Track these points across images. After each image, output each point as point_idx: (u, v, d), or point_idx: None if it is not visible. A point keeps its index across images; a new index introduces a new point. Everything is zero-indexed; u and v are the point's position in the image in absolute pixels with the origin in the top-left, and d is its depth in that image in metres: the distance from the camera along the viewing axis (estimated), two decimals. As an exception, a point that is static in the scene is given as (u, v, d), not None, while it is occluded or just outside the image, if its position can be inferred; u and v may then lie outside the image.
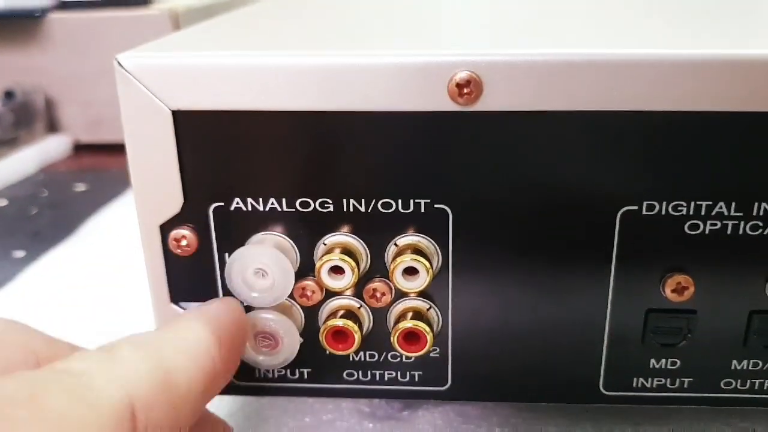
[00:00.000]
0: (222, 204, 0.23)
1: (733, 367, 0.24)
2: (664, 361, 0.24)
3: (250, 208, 0.23)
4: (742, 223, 0.22)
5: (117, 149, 0.74)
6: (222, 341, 0.20)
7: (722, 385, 0.25)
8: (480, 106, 0.21)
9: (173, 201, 0.23)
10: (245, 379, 0.25)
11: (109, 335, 0.19)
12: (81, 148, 0.76)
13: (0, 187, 0.63)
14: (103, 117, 0.75)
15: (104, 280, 0.42)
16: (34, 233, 0.52)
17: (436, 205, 0.23)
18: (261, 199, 0.23)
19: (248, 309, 0.23)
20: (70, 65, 0.73)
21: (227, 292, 0.23)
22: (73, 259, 0.46)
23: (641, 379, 0.25)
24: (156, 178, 0.23)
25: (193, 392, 0.19)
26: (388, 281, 0.23)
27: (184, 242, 0.23)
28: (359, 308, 0.24)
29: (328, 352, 0.24)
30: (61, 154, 0.73)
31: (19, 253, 0.47)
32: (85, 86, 0.74)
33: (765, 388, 0.25)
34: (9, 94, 0.71)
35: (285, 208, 0.23)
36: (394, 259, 0.23)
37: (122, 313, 0.38)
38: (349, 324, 0.23)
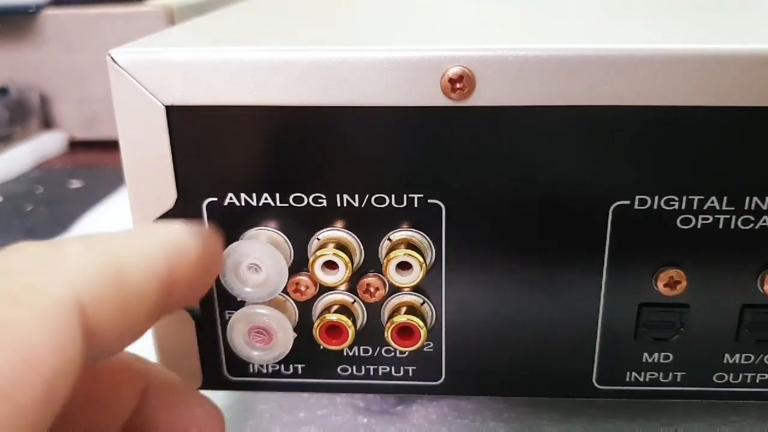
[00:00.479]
0: (215, 199, 0.23)
1: (725, 361, 0.24)
2: (656, 355, 0.24)
3: (243, 204, 0.23)
4: (734, 217, 0.22)
5: (112, 146, 0.74)
6: (184, 256, 0.18)
7: (715, 379, 0.25)
8: (473, 101, 0.21)
9: (167, 196, 0.23)
10: (239, 374, 0.25)
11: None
12: (76, 145, 0.76)
13: (-5, 184, 0.63)
14: (97, 114, 0.75)
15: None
16: (28, 230, 0.52)
17: (429, 200, 0.23)
18: (254, 195, 0.23)
19: (242, 304, 0.23)
20: (65, 62, 0.73)
21: (221, 288, 0.23)
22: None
23: (634, 374, 0.25)
24: (149, 174, 0.23)
25: (146, 296, 0.17)
26: (381, 276, 0.23)
27: (177, 237, 0.23)
28: (353, 303, 0.24)
29: (322, 347, 0.24)
30: (56, 150, 0.73)
31: (14, 250, 0.47)
32: (79, 83, 0.74)
33: (757, 381, 0.25)
34: (3, 91, 0.70)
35: (278, 204, 0.23)
36: (387, 254, 0.23)
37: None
38: (343, 319, 0.23)
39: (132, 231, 0.19)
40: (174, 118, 0.22)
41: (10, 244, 0.16)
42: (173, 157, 0.22)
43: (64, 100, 0.76)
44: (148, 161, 0.23)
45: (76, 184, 0.63)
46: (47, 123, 0.76)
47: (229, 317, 0.24)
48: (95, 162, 0.71)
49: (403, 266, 0.23)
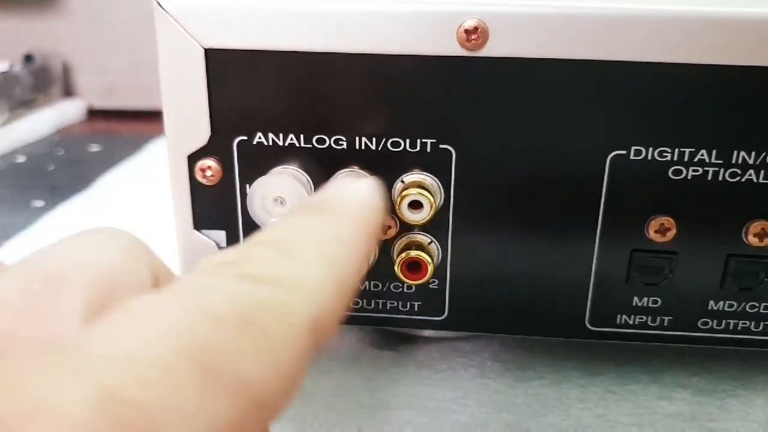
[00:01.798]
0: (245, 138, 0.25)
1: (709, 308, 0.26)
2: (646, 299, 0.26)
3: (270, 143, 0.25)
4: (722, 170, 0.24)
5: (129, 115, 0.76)
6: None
7: (699, 325, 0.27)
8: (485, 51, 0.23)
9: (201, 133, 0.25)
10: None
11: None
12: (94, 114, 0.78)
13: (18, 145, 0.65)
14: (116, 84, 0.77)
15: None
16: (52, 186, 0.54)
17: (441, 146, 0.25)
18: (281, 135, 0.25)
19: (266, 235, 0.25)
20: (88, 33, 0.75)
21: (247, 220, 0.25)
22: (87, 209, 0.48)
23: (624, 316, 0.27)
24: (186, 112, 0.25)
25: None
26: (393, 216, 0.25)
27: (209, 172, 0.25)
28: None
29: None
30: (75, 118, 0.76)
31: (39, 203, 0.50)
32: (100, 54, 0.76)
33: (739, 328, 0.27)
34: (28, 58, 0.73)
35: (302, 144, 0.25)
36: (400, 193, 0.25)
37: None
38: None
39: (349, 231, 0.17)
40: (212, 60, 0.24)
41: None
42: (209, 96, 0.24)
43: (85, 71, 0.78)
44: (186, 100, 0.25)
45: (95, 147, 0.65)
46: (68, 92, 0.78)
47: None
48: (113, 130, 0.73)
49: (415, 205, 0.25)
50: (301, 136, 0.25)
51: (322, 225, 0.16)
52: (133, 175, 0.56)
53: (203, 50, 0.24)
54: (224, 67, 0.24)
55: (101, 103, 0.78)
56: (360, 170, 0.25)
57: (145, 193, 0.48)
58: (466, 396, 0.28)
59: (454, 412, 0.27)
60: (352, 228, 0.16)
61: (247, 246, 0.15)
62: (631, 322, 0.27)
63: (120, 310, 0.12)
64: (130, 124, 0.74)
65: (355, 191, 0.18)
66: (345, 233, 0.16)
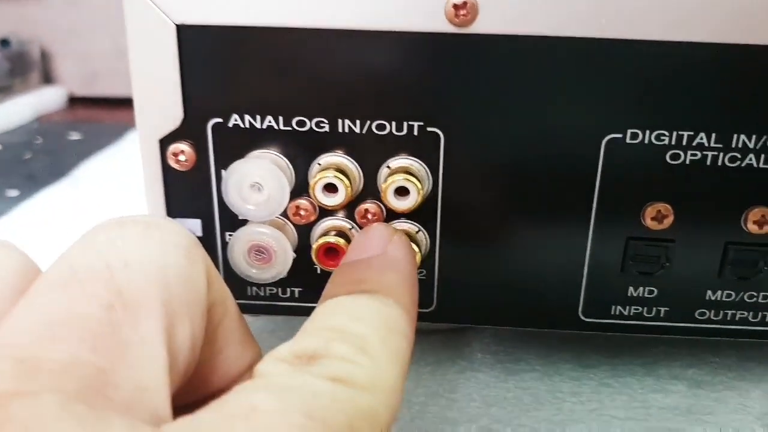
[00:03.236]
0: (221, 120, 0.24)
1: (707, 298, 0.25)
2: (641, 289, 0.25)
3: (247, 126, 0.24)
4: (722, 154, 0.23)
5: (111, 103, 0.74)
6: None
7: (696, 315, 0.26)
8: (474, 28, 0.22)
9: (173, 116, 0.24)
10: (236, 297, 0.26)
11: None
12: (76, 101, 0.77)
13: (-6, 133, 0.64)
14: (98, 71, 0.75)
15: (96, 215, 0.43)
16: (28, 175, 0.52)
17: (428, 129, 0.23)
18: (259, 117, 0.24)
19: (242, 223, 0.24)
20: (67, 18, 0.73)
21: (223, 207, 0.24)
22: (65, 199, 0.47)
23: (619, 307, 0.26)
24: (157, 93, 0.23)
25: None
26: (379, 203, 0.24)
27: (182, 157, 0.24)
28: (350, 229, 0.25)
29: (319, 270, 0.25)
30: (55, 105, 0.74)
31: (13, 192, 0.48)
32: (81, 40, 0.74)
33: (737, 319, 0.26)
34: (4, 42, 0.71)
35: (282, 127, 0.24)
36: (386, 179, 0.24)
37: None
38: (341, 241, 0.24)
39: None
40: (184, 38, 0.23)
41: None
42: (181, 76, 0.23)
43: (66, 57, 0.76)
44: (157, 80, 0.23)
45: (75, 136, 0.63)
46: (48, 79, 0.77)
47: (230, 238, 0.25)
48: (94, 118, 0.71)
49: (401, 192, 0.24)
50: (280, 118, 0.24)
51: (383, 314, 0.17)
52: (113, 163, 0.54)
53: (175, 26, 0.22)
54: (197, 45, 0.23)
55: (83, 91, 0.77)
56: (344, 155, 0.24)
57: (124, 182, 0.47)
58: (454, 390, 0.27)
59: (442, 407, 0.26)
60: (408, 317, 0.18)
61: (319, 336, 0.16)
62: (626, 313, 0.26)
63: (237, 405, 0.13)
64: (113, 112, 0.72)
65: (397, 262, 0.20)
66: (404, 323, 0.18)
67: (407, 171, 0.24)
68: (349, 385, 0.14)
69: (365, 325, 0.16)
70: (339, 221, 0.25)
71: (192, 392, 0.17)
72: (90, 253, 0.15)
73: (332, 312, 0.17)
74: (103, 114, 0.73)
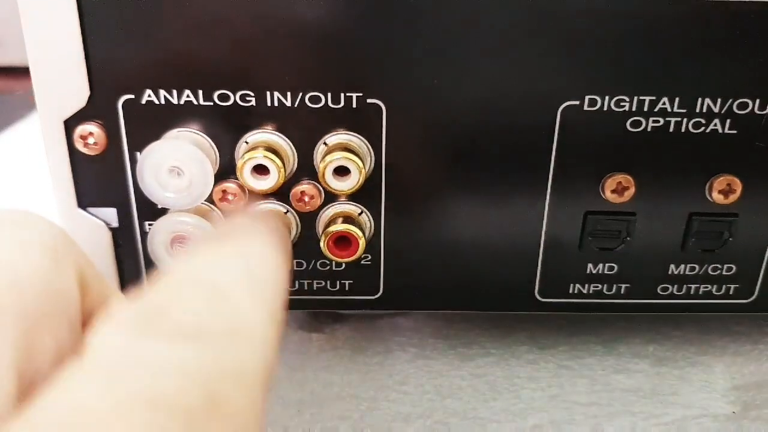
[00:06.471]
0: (132, 97, 0.21)
1: (670, 272, 0.24)
2: (601, 266, 0.24)
3: (163, 102, 0.21)
4: (685, 120, 0.21)
5: (22, 72, 0.70)
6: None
7: (659, 291, 0.24)
8: (416, -14, 0.19)
9: (78, 94, 0.21)
10: (163, 291, 0.24)
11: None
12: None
13: None
14: (4, 38, 0.70)
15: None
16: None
17: (369, 100, 0.21)
18: (175, 92, 0.21)
19: (163, 211, 0.21)
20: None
21: (140, 194, 0.21)
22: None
23: (578, 285, 0.24)
24: (58, 69, 0.20)
25: None
26: (317, 184, 0.22)
27: (91, 140, 0.21)
28: (286, 213, 0.22)
29: (252, 259, 0.22)
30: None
31: None
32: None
33: (700, 293, 0.24)
34: None
35: (202, 102, 0.21)
36: (323, 158, 0.21)
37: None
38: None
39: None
40: (86, 6, 0.20)
41: None
42: (85, 47, 0.20)
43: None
44: (57, 55, 0.20)
45: (-15, 110, 0.58)
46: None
47: (150, 229, 0.22)
48: (3, 88, 0.66)
49: (341, 171, 0.21)
50: (200, 91, 0.21)
51: (238, 252, 0.14)
52: (20, 140, 0.50)
53: (73, -8, 0.19)
54: (102, 11, 0.20)
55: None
56: (275, 131, 0.21)
57: (31, 164, 0.43)
58: (406, 381, 0.25)
59: (393, 402, 0.24)
60: (266, 246, 0.15)
61: (166, 288, 0.13)
62: (585, 292, 0.24)
63: (56, 408, 0.10)
64: (25, 81, 0.67)
65: (248, 212, 0.17)
66: (264, 255, 0.15)
67: (347, 148, 0.21)
68: (204, 340, 0.11)
69: (216, 267, 0.14)
70: (272, 205, 0.22)
71: None
72: None
73: (185, 262, 0.14)
74: (12, 83, 0.68)
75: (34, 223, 0.13)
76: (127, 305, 0.12)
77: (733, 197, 0.22)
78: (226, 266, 0.14)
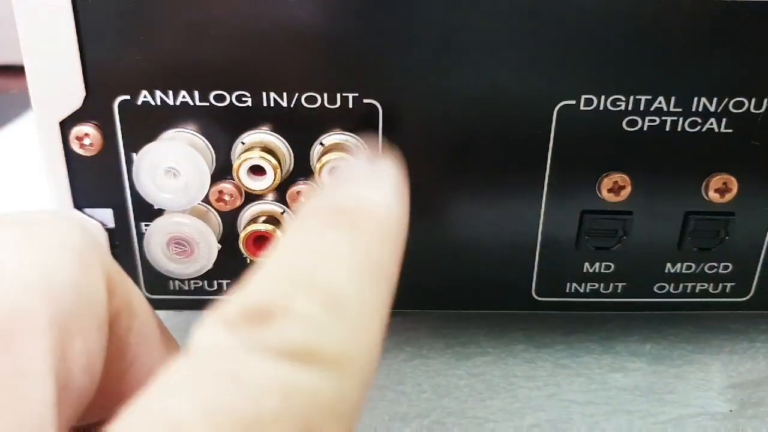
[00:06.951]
0: (128, 98, 0.21)
1: (666, 271, 0.24)
2: (598, 265, 0.24)
3: (159, 103, 0.21)
4: (681, 119, 0.21)
5: (17, 70, 0.69)
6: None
7: (655, 290, 0.24)
8: (411, -14, 0.19)
9: (74, 94, 0.21)
10: (158, 292, 0.24)
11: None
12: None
13: None
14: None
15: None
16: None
17: (365, 100, 0.21)
18: (171, 92, 0.21)
19: (159, 214, 0.21)
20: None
21: (136, 195, 0.21)
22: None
23: (574, 284, 0.24)
24: (54, 70, 0.20)
25: None
26: (313, 184, 0.22)
27: (87, 140, 0.21)
28: (282, 213, 0.22)
29: (249, 260, 0.22)
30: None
31: None
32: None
33: (696, 291, 0.24)
34: None
35: (198, 103, 0.21)
36: (320, 159, 0.21)
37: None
38: (272, 228, 0.22)
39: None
40: (81, 6, 0.20)
41: None
42: (80, 48, 0.20)
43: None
44: (53, 56, 0.20)
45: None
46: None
47: (146, 230, 0.22)
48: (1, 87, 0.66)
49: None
50: (196, 92, 0.21)
51: (359, 253, 0.12)
52: (16, 140, 0.50)
53: (68, -8, 0.19)
54: (98, 11, 0.20)
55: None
56: (271, 132, 0.21)
57: (27, 163, 0.43)
58: (402, 381, 0.25)
59: (390, 402, 0.24)
60: (388, 253, 0.13)
61: (279, 283, 0.11)
62: (581, 291, 0.24)
63: (150, 419, 0.09)
64: (21, 80, 0.67)
65: (381, 194, 0.14)
66: (382, 263, 0.13)
67: (343, 148, 0.21)
68: (312, 364, 0.10)
69: (339, 261, 0.12)
70: (269, 206, 0.22)
71: (109, 409, 0.14)
72: None
73: (294, 250, 0.12)
74: (8, 82, 0.68)
75: (60, 226, 0.13)
76: (236, 300, 0.11)
77: (729, 196, 0.22)
78: (344, 261, 0.12)
